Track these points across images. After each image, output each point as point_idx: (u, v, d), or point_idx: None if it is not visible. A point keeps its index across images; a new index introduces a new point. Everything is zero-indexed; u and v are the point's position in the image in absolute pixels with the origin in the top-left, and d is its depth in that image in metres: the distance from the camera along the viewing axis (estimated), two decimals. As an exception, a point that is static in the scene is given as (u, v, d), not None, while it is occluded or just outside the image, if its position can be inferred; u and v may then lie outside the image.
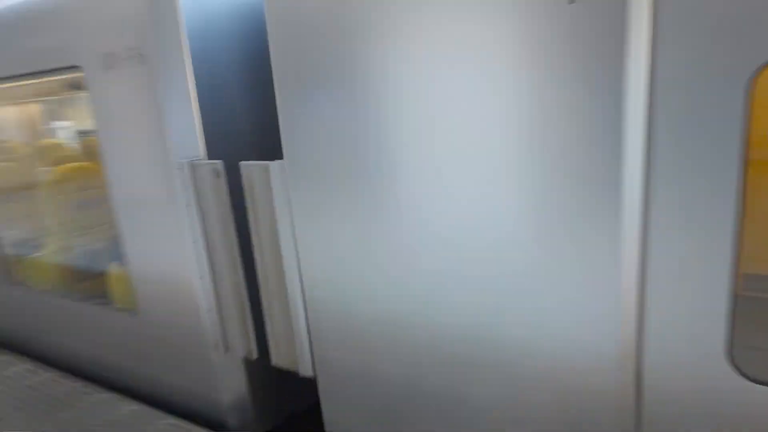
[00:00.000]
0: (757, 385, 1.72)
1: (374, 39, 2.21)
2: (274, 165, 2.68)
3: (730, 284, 1.73)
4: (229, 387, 3.44)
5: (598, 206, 1.90)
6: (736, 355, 1.77)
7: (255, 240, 2.90)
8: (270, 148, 2.95)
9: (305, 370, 2.94)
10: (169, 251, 3.36)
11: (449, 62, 2.06)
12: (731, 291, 1.73)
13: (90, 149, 3.85)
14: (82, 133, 4.03)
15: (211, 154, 3.10)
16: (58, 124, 4.27)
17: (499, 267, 2.14)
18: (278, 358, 3.05)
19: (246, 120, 3.07)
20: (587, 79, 1.83)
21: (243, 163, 2.80)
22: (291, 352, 3.00)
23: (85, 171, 3.74)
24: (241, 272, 3.04)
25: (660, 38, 1.69)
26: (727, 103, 1.62)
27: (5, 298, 4.76)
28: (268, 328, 3.03)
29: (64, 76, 3.48)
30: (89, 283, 4.17)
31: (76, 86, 3.44)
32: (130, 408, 3.71)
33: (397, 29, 2.13)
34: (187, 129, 3.05)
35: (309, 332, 2.87)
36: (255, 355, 3.16)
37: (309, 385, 3.39)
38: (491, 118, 2.02)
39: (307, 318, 2.85)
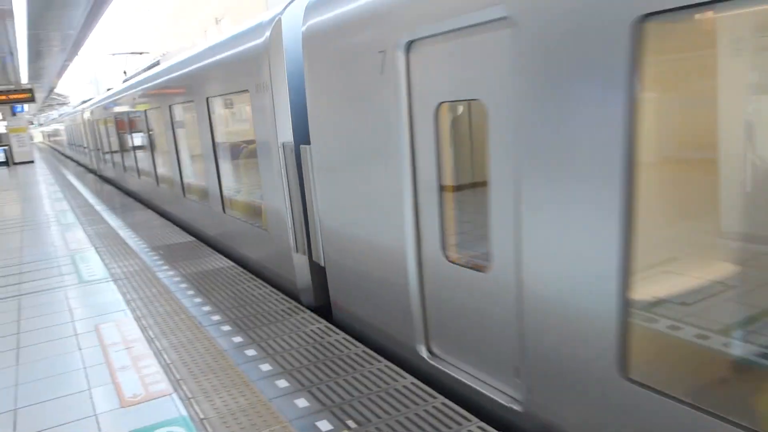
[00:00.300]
0: (455, 266, 3.61)
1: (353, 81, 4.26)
2: (309, 146, 5.02)
3: (440, 218, 3.65)
4: (300, 277, 5.69)
5: (395, 177, 3.91)
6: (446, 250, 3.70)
7: (306, 188, 5.25)
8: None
9: (321, 262, 5.26)
10: (276, 193, 5.74)
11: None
12: (441, 218, 3.65)
13: None
14: None
15: (297, 139, 5.34)
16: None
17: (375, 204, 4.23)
18: (315, 256, 5.37)
19: None
20: (388, 115, 3.86)
21: (302, 146, 5.14)
22: (318, 253, 5.28)
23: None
24: (301, 206, 5.43)
25: (412, 95, 3.67)
26: (429, 125, 3.58)
27: (219, 221, 7.99)
28: (311, 239, 5.34)
29: (245, 94, 6.09)
30: (257, 215, 6.59)
31: None
32: (405, 383, 3.74)
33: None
34: (285, 124, 5.35)
35: (322, 241, 5.15)
36: (307, 254, 5.53)
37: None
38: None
39: (321, 234, 5.13)
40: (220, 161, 7.53)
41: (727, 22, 2.11)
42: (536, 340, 3.05)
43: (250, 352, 4.45)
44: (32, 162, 32.78)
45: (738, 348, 2.21)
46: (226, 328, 4.97)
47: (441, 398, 3.53)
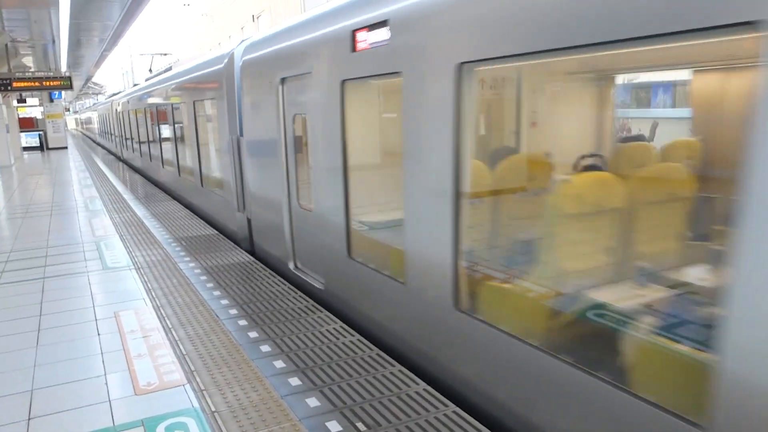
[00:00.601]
0: (303, 209, 6.11)
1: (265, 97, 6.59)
2: (243, 137, 7.52)
3: (296, 181, 6.23)
4: (240, 229, 8.07)
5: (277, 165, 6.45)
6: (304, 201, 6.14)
7: (243, 166, 7.72)
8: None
9: (249, 216, 7.77)
10: (228, 170, 8.16)
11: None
12: (297, 181, 6.22)
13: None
14: None
15: (241, 133, 7.59)
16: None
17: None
18: (248, 213, 7.79)
19: None
20: (275, 120, 6.36)
21: (239, 137, 7.60)
22: (248, 210, 7.76)
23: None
24: (241, 179, 7.73)
25: (285, 109, 6.18)
26: (291, 127, 6.15)
27: (199, 192, 10.59)
28: (245, 202, 7.78)
29: (213, 101, 8.73)
30: (220, 186, 8.94)
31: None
32: (417, 388, 3.71)
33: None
34: (234, 123, 7.70)
35: (248, 201, 7.66)
36: (245, 213, 7.85)
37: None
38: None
39: (247, 197, 7.64)
40: (201, 148, 10.18)
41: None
42: (325, 247, 5.47)
43: (265, 347, 4.45)
44: (65, 148, 33.47)
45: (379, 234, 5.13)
46: (243, 322, 4.99)
47: (452, 406, 3.49)
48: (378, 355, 4.25)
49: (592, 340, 3.24)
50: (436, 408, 3.48)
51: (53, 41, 19.61)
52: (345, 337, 4.61)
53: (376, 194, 5.28)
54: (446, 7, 3.49)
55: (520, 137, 4.39)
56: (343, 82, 4.70)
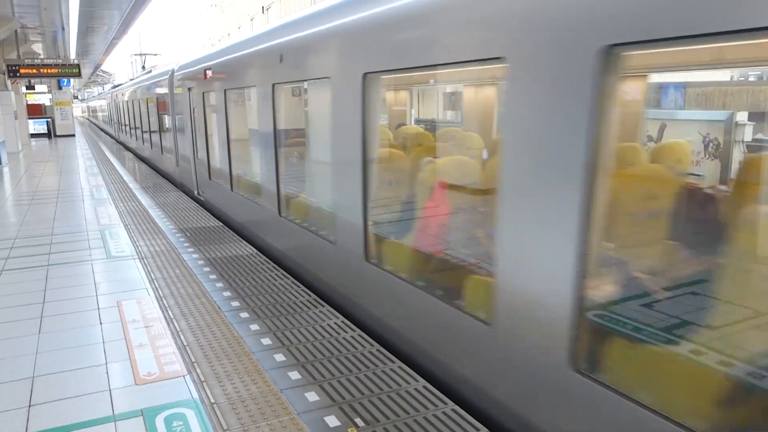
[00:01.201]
0: (202, 161, 11.05)
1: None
2: (176, 121, 13.24)
3: (197, 145, 11.33)
4: (177, 176, 13.51)
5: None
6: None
7: (177, 138, 13.44)
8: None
9: (180, 168, 13.28)
10: (171, 141, 13.83)
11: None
12: (197, 145, 11.34)
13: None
14: None
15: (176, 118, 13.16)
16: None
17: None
18: (180, 166, 13.24)
19: None
20: (187, 110, 11.79)
21: (175, 121, 13.08)
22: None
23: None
24: (176, 145, 13.18)
25: (192, 104, 11.32)
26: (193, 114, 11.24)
27: (164, 160, 15.63)
28: (179, 160, 13.28)
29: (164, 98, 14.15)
30: (169, 153, 14.73)
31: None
32: (417, 386, 3.71)
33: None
34: (174, 112, 13.08)
35: (180, 160, 13.20)
36: (179, 166, 13.48)
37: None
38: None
39: (180, 157, 13.08)
40: (161, 129, 15.03)
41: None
42: (203, 177, 10.71)
43: (266, 341, 4.46)
44: (73, 136, 33.56)
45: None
46: (245, 315, 5.00)
47: (451, 404, 3.48)
48: (378, 351, 4.25)
49: None
50: (435, 405, 3.48)
51: (63, 28, 19.64)
52: (346, 332, 4.61)
53: (216, 147, 9.43)
54: (220, 64, 8.43)
55: None
56: (202, 93, 9.64)
